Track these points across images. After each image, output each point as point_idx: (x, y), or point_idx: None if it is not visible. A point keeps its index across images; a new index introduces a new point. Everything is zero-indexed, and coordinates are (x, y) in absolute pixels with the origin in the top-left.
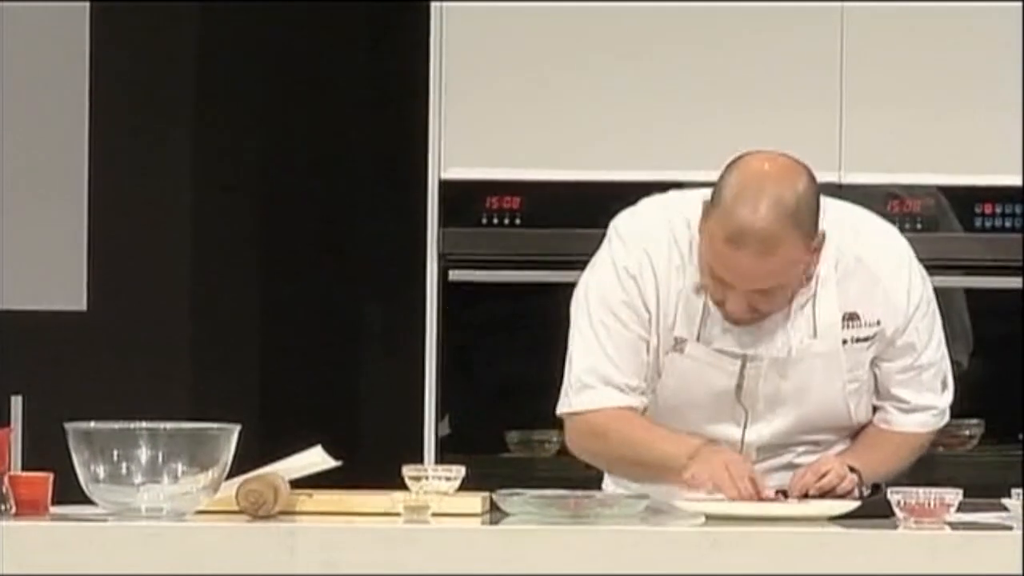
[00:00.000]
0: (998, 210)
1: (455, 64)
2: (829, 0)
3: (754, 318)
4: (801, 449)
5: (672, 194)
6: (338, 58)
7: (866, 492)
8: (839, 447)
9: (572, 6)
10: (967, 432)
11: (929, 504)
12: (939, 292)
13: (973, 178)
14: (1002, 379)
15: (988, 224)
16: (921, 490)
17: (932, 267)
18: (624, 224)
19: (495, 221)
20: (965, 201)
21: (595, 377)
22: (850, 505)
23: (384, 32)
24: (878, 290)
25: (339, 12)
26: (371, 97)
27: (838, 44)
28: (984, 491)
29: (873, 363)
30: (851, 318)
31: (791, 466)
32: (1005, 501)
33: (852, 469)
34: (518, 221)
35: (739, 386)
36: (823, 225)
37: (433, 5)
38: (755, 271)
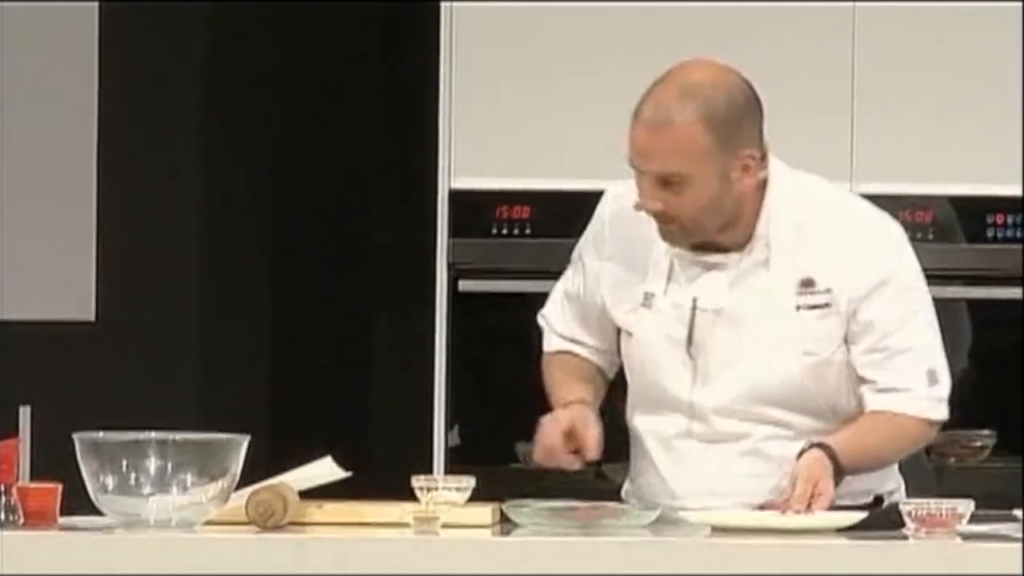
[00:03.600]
0: (1010, 220)
1: (465, 74)
2: (842, 1)
3: (673, 228)
4: (765, 432)
5: None
6: (348, 68)
7: (872, 502)
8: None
9: (582, 16)
10: (978, 443)
11: (940, 515)
12: (949, 302)
13: (986, 188)
14: (1013, 390)
15: (1001, 235)
16: (932, 501)
17: (943, 277)
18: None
19: (505, 231)
20: (978, 211)
21: (544, 321)
22: (857, 516)
23: (394, 42)
24: (836, 259)
25: (349, 21)
26: (381, 107)
27: (850, 53)
28: (995, 502)
29: (847, 349)
30: (806, 284)
31: (757, 452)
32: (1016, 512)
33: (823, 446)
34: (528, 231)
35: (690, 337)
36: (792, 191)
37: (443, 12)
38: (650, 148)
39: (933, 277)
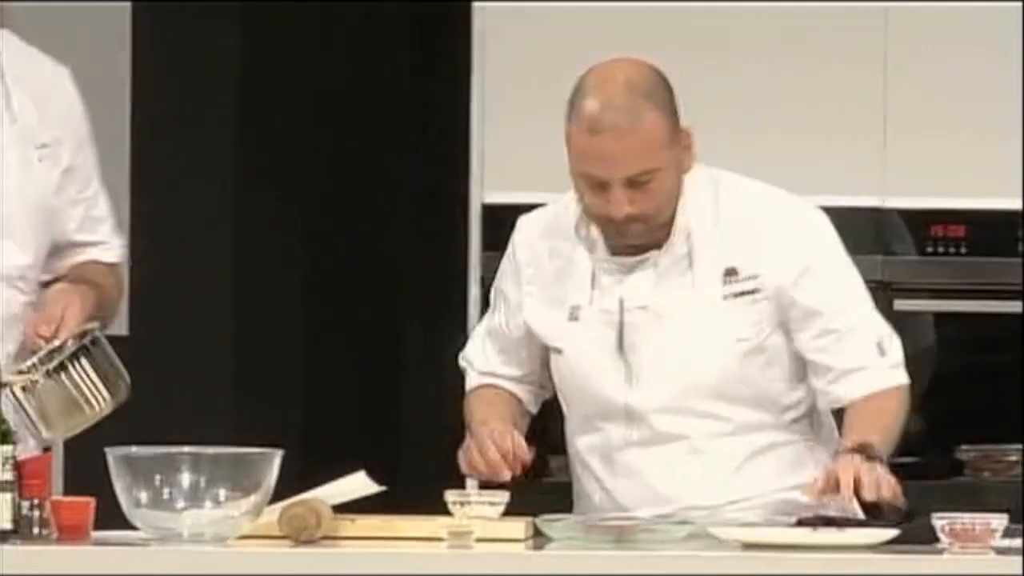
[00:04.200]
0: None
1: (497, 88)
2: (874, 16)
3: (638, 227)
4: (704, 428)
5: None
6: (381, 83)
7: (904, 517)
8: (756, 435)
9: (613, 33)
10: (1012, 457)
11: (974, 529)
12: (985, 317)
13: (1017, 202)
14: None
15: None
16: (966, 515)
17: (977, 292)
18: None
19: None
20: (1009, 225)
21: (465, 361)
22: (890, 533)
23: (426, 56)
24: (759, 246)
25: (382, 37)
26: (413, 122)
27: (882, 68)
28: None
29: (788, 337)
30: (730, 273)
31: (697, 451)
32: None
33: (865, 448)
34: None
35: (620, 340)
36: (707, 183)
37: (476, 27)
38: (621, 153)
39: (971, 292)
